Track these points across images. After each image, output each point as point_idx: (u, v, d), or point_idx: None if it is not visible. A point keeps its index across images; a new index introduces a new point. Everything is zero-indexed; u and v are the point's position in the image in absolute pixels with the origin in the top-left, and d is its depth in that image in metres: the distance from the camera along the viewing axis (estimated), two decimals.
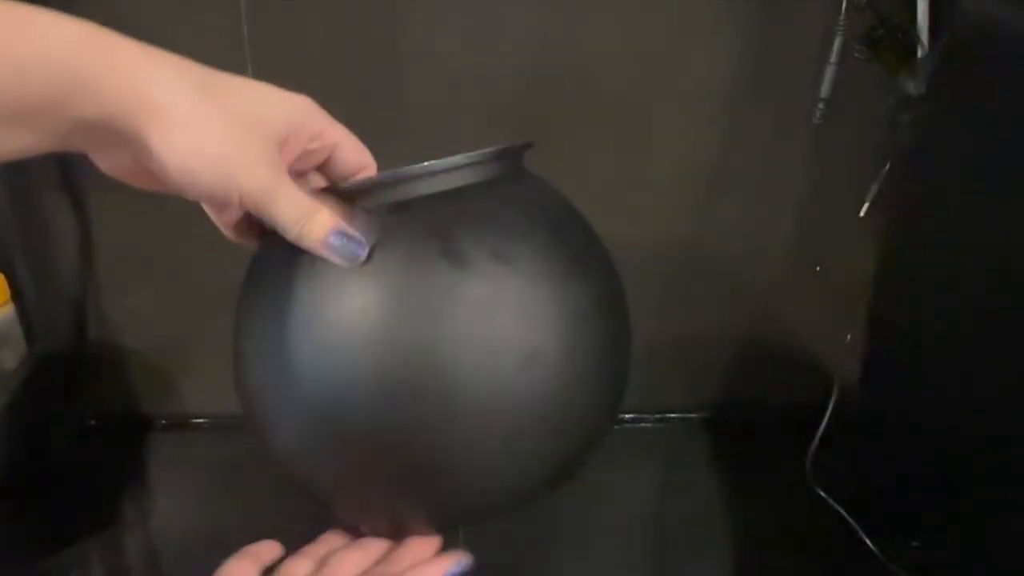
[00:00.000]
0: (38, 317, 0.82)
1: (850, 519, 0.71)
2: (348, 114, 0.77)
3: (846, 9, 0.69)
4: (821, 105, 0.73)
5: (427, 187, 0.37)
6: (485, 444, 0.37)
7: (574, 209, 0.47)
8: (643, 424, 0.89)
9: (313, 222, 0.36)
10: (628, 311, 0.49)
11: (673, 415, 0.89)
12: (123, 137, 0.33)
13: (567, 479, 0.45)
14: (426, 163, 0.37)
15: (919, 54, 0.69)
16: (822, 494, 0.73)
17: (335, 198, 0.37)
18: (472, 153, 0.39)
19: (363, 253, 0.36)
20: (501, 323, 0.36)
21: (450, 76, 0.75)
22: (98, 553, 0.73)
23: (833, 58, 0.71)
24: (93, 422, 0.87)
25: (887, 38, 0.70)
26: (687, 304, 0.85)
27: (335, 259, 0.36)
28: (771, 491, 0.79)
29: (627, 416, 0.89)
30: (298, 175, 0.39)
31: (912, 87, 0.71)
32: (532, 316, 0.37)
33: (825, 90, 0.72)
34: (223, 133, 0.34)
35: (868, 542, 0.69)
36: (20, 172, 0.78)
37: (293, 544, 0.72)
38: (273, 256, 0.39)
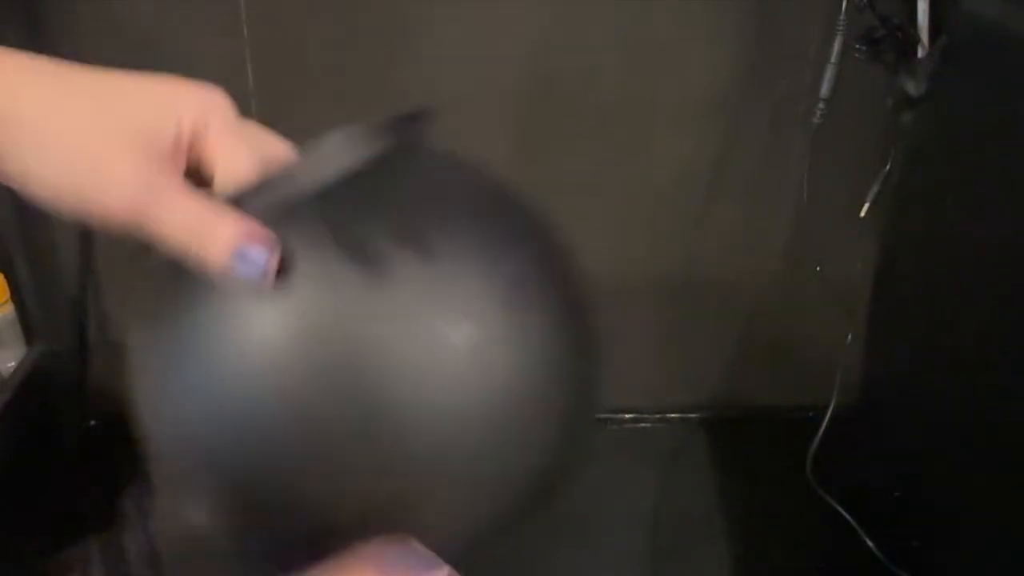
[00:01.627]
0: (38, 317, 0.82)
1: (850, 519, 0.71)
2: (347, 115, 0.77)
3: (846, 9, 0.69)
4: (821, 105, 0.73)
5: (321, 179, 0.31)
6: (445, 468, 0.31)
7: (492, 177, 0.38)
8: (643, 424, 0.88)
9: (210, 237, 0.28)
10: (582, 281, 0.39)
11: (673, 415, 0.89)
12: None
13: (549, 493, 0.37)
14: (312, 154, 0.32)
15: (919, 54, 0.69)
16: (822, 494, 0.73)
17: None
18: (361, 129, 0.34)
19: (262, 269, 0.28)
20: (431, 323, 0.30)
21: (449, 81, 0.75)
22: (98, 553, 0.73)
23: (833, 58, 0.71)
24: (93, 422, 0.87)
25: (887, 38, 0.70)
26: (687, 304, 0.85)
27: (240, 284, 0.29)
28: (771, 491, 0.79)
29: (627, 416, 0.89)
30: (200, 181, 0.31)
31: (912, 87, 0.71)
32: (465, 306, 0.31)
33: (825, 90, 0.72)
34: (80, 149, 0.28)
35: (868, 542, 0.69)
36: None
37: None
38: (164, 276, 0.33)
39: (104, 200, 0.28)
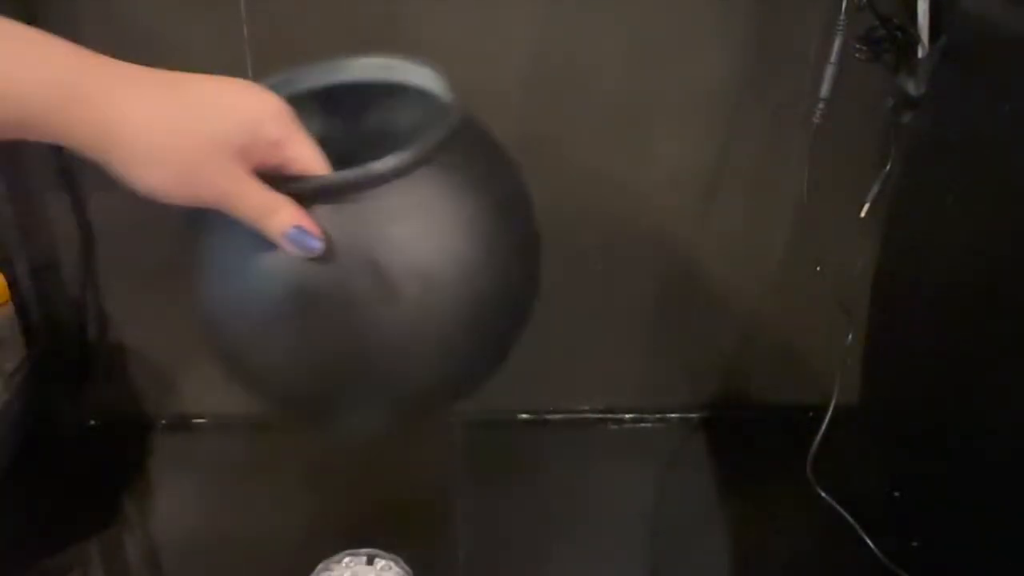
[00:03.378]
0: (38, 317, 0.82)
1: (850, 519, 0.71)
2: None
3: (846, 9, 0.69)
4: (821, 105, 0.73)
5: (368, 183, 0.43)
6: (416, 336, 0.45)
7: (488, 143, 0.54)
8: (643, 424, 0.88)
9: (272, 219, 0.40)
10: (530, 215, 0.54)
11: (673, 415, 0.89)
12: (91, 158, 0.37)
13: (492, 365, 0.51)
14: (370, 167, 0.43)
15: (919, 54, 0.69)
16: (822, 494, 0.73)
17: (292, 196, 0.41)
18: (409, 151, 0.44)
19: (318, 246, 0.41)
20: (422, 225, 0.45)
21: (452, 79, 0.75)
22: (98, 553, 0.73)
23: (833, 58, 0.71)
24: (93, 422, 0.87)
25: (887, 38, 0.70)
26: (687, 304, 0.85)
27: (293, 251, 0.41)
28: (771, 491, 0.79)
29: (627, 416, 0.89)
30: (266, 173, 0.41)
31: (912, 87, 0.71)
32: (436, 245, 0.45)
33: (825, 90, 0.72)
34: (180, 160, 0.38)
35: (868, 542, 0.69)
36: (20, 172, 0.78)
37: (291, 543, 0.73)
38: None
39: (203, 195, 0.39)
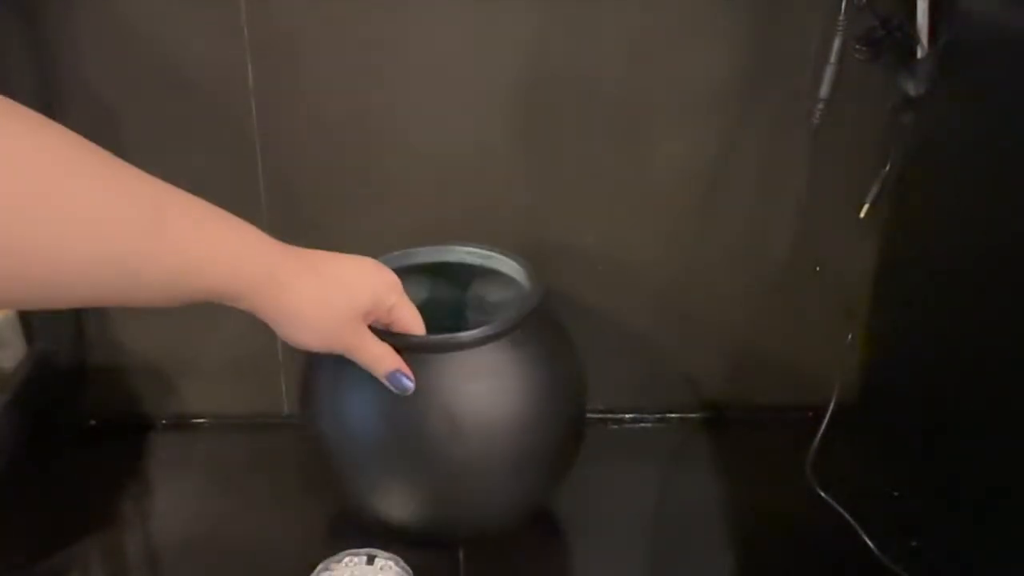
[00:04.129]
0: (38, 317, 0.82)
1: (850, 519, 0.71)
2: (348, 111, 0.77)
3: (846, 9, 0.69)
4: (821, 105, 0.73)
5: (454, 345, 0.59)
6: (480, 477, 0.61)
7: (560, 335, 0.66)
8: (643, 424, 0.89)
9: (380, 364, 0.56)
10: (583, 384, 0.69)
11: (673, 415, 0.89)
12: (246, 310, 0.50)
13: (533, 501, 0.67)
14: (457, 335, 0.59)
15: (919, 54, 0.69)
16: (822, 494, 0.73)
17: (396, 348, 0.57)
18: (491, 325, 0.59)
19: (411, 387, 0.57)
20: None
21: (450, 80, 0.75)
22: (98, 553, 0.73)
23: (833, 58, 0.71)
24: (93, 422, 0.87)
25: (887, 38, 0.70)
26: (687, 304, 0.85)
27: (392, 389, 0.57)
28: (771, 491, 0.79)
29: (627, 416, 0.89)
30: (377, 325, 0.57)
31: (912, 87, 0.71)
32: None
33: (825, 90, 0.72)
34: (326, 327, 0.53)
35: (868, 542, 0.69)
36: None
37: (291, 543, 0.73)
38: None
39: (334, 346, 0.54)
